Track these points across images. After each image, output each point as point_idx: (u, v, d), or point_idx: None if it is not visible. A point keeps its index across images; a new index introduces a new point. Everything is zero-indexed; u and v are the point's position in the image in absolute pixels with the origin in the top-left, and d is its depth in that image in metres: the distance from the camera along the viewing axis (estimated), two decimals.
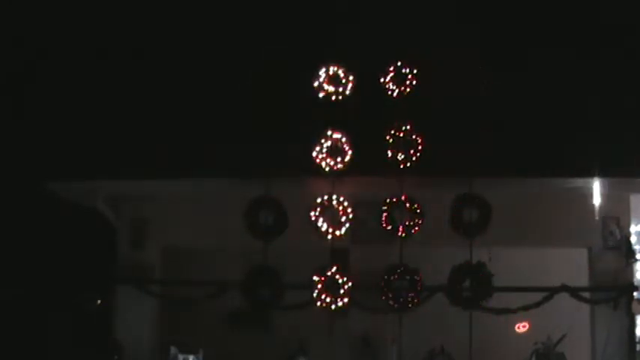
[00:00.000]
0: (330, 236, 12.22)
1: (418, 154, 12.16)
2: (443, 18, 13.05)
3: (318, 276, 12.07)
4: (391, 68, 12.45)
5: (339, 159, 12.22)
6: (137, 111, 13.31)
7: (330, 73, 12.40)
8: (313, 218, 12.23)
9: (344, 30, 12.85)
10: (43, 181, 12.96)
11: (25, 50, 14.48)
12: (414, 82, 12.38)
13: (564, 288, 12.58)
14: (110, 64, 13.64)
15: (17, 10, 14.47)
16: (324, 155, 12.24)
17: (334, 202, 12.23)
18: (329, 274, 12.08)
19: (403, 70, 12.42)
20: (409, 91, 12.39)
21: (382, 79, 12.46)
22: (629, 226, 13.24)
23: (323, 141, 12.27)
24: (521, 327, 14.52)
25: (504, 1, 13.36)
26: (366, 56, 12.65)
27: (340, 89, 12.40)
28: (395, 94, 12.42)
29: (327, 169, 12.26)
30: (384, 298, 12.20)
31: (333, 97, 12.39)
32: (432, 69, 12.41)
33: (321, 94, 12.42)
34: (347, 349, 13.36)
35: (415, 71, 12.39)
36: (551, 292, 12.51)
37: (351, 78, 12.41)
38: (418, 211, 12.20)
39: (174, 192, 13.45)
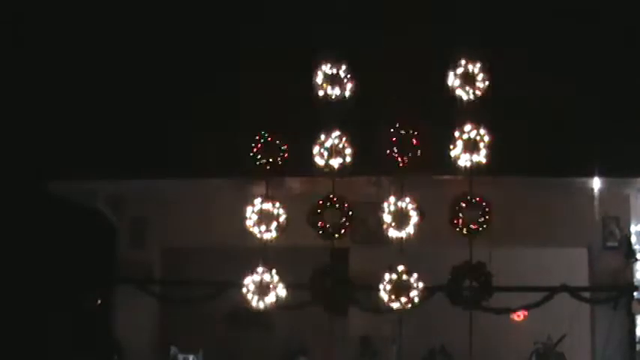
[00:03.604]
0: (330, 236, 12.21)
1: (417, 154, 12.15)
2: (442, 17, 13.09)
3: None
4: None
5: (339, 159, 12.21)
6: (137, 111, 13.32)
7: (330, 72, 12.38)
8: (313, 218, 12.22)
9: (344, 29, 12.85)
10: (43, 181, 12.96)
11: (25, 50, 14.49)
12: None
13: (564, 288, 12.58)
14: (110, 65, 13.65)
15: (18, 11, 14.48)
16: (324, 155, 12.23)
17: (334, 202, 12.22)
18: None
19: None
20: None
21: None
22: (629, 226, 13.25)
23: (323, 141, 12.26)
24: (519, 316, 14.49)
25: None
26: (366, 56, 12.66)
27: (340, 89, 12.38)
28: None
29: (327, 169, 12.25)
30: (384, 297, 12.19)
31: (333, 97, 12.37)
32: (431, 69, 12.42)
33: (320, 94, 12.39)
34: (347, 349, 13.36)
35: None
36: (551, 292, 12.51)
37: (351, 78, 12.40)
38: (418, 210, 12.19)
39: (174, 192, 13.45)
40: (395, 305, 11.68)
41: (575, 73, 12.88)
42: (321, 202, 12.22)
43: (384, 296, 11.69)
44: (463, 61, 11.91)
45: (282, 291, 11.88)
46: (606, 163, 12.21)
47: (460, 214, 12.08)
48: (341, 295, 12.30)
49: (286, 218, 12.35)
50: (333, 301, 12.28)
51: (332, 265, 12.29)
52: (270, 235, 12.28)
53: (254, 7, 13.73)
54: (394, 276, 11.67)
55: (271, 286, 11.83)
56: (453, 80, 11.94)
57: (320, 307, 12.29)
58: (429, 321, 13.24)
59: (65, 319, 13.65)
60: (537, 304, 12.49)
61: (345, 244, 12.81)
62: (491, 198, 12.17)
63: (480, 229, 12.07)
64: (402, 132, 12.10)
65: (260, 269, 11.85)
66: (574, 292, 12.63)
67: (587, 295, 12.85)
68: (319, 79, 12.28)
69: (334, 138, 12.19)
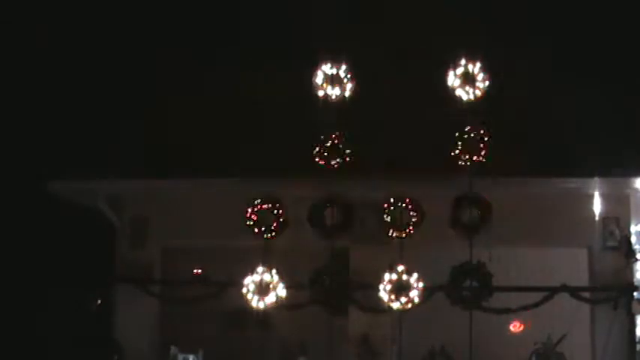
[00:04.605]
0: (329, 236, 12.21)
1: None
2: (445, 17, 13.10)
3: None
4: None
5: (337, 159, 12.21)
6: (137, 111, 13.33)
7: (330, 73, 12.37)
8: (312, 218, 12.22)
9: (344, 29, 12.86)
10: (43, 181, 12.97)
11: (24, 50, 14.49)
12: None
13: (564, 288, 12.57)
14: (110, 65, 13.66)
15: (17, 10, 14.49)
16: (324, 155, 12.23)
17: (335, 203, 12.21)
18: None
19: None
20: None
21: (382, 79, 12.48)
22: (629, 226, 13.24)
23: (323, 141, 12.26)
24: (516, 327, 14.51)
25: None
26: (366, 56, 12.66)
27: (340, 89, 12.36)
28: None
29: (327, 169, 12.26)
30: (384, 297, 12.19)
31: (333, 97, 12.36)
32: (432, 68, 12.42)
33: (320, 94, 12.38)
34: (347, 349, 13.35)
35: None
36: (551, 292, 12.50)
37: (351, 78, 12.39)
38: (418, 210, 12.19)
39: (174, 192, 13.45)
40: (395, 305, 11.68)
41: (574, 72, 12.88)
42: (321, 202, 12.23)
43: (384, 296, 11.70)
44: (463, 61, 11.92)
45: (282, 291, 11.86)
46: (606, 163, 12.20)
47: (460, 214, 12.09)
48: (341, 295, 12.30)
49: (286, 218, 12.36)
50: (333, 301, 12.28)
51: (332, 265, 12.28)
52: (271, 235, 12.30)
53: (254, 7, 13.73)
54: (394, 276, 11.66)
55: (271, 286, 11.81)
56: (453, 80, 11.95)
57: (320, 307, 12.30)
58: (429, 321, 13.23)
59: (65, 319, 13.65)
60: (537, 304, 12.47)
61: (345, 244, 12.81)
62: (491, 198, 12.19)
63: (480, 229, 12.09)
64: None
65: (260, 269, 11.83)
66: (574, 292, 12.62)
67: (587, 295, 12.85)
68: (319, 79, 12.28)
69: (334, 138, 12.21)
